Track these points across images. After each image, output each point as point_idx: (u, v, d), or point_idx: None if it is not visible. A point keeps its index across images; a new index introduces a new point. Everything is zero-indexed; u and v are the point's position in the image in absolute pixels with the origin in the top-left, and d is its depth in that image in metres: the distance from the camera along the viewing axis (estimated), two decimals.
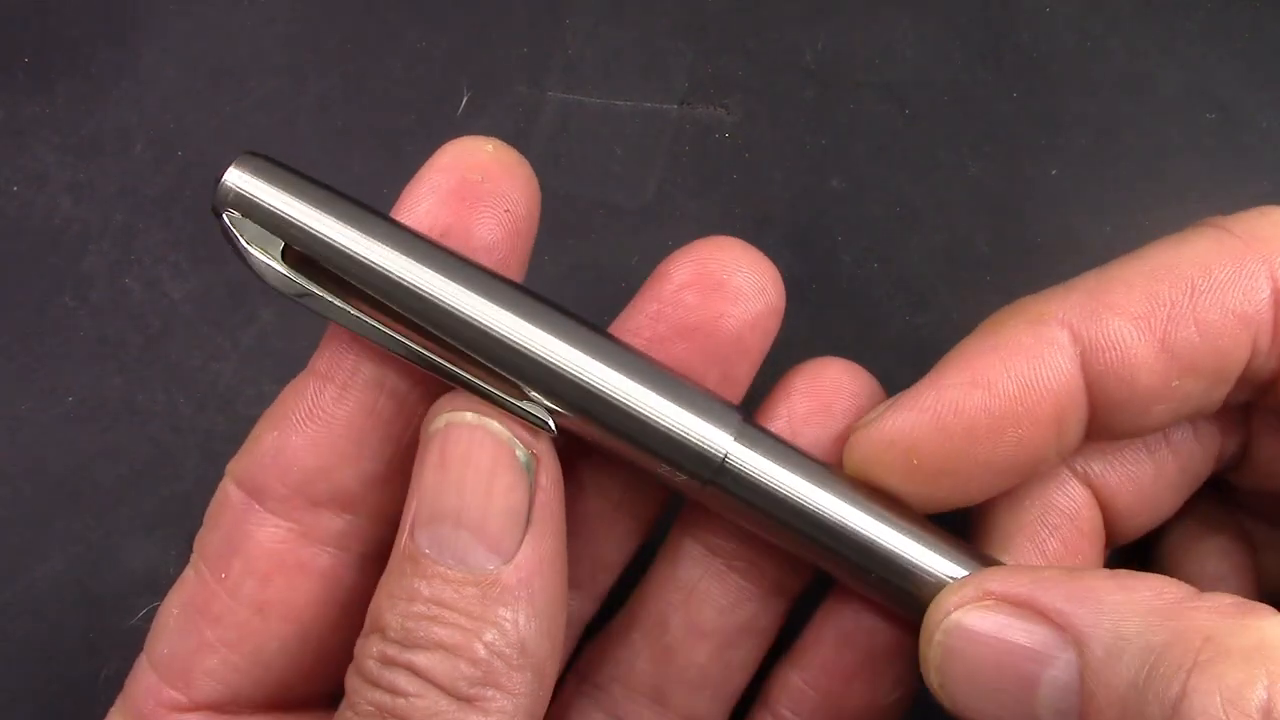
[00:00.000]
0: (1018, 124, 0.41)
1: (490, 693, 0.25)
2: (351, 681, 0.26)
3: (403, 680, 0.25)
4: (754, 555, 0.30)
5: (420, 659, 0.25)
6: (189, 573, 0.29)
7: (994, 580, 0.25)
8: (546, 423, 0.26)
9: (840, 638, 0.30)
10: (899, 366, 0.39)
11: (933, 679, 0.26)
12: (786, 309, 0.40)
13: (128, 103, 0.41)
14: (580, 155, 0.41)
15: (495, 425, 0.26)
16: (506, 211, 0.28)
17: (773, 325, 0.29)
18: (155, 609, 0.29)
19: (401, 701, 0.25)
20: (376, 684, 0.25)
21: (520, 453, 0.26)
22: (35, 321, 0.39)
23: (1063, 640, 0.23)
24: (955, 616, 0.25)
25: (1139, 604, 0.23)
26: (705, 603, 0.30)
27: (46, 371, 0.39)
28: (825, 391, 0.30)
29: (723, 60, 0.42)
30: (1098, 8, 0.43)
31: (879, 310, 0.39)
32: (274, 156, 0.26)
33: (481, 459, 0.26)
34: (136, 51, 0.42)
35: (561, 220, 0.40)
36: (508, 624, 0.25)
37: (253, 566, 0.28)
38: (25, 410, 0.38)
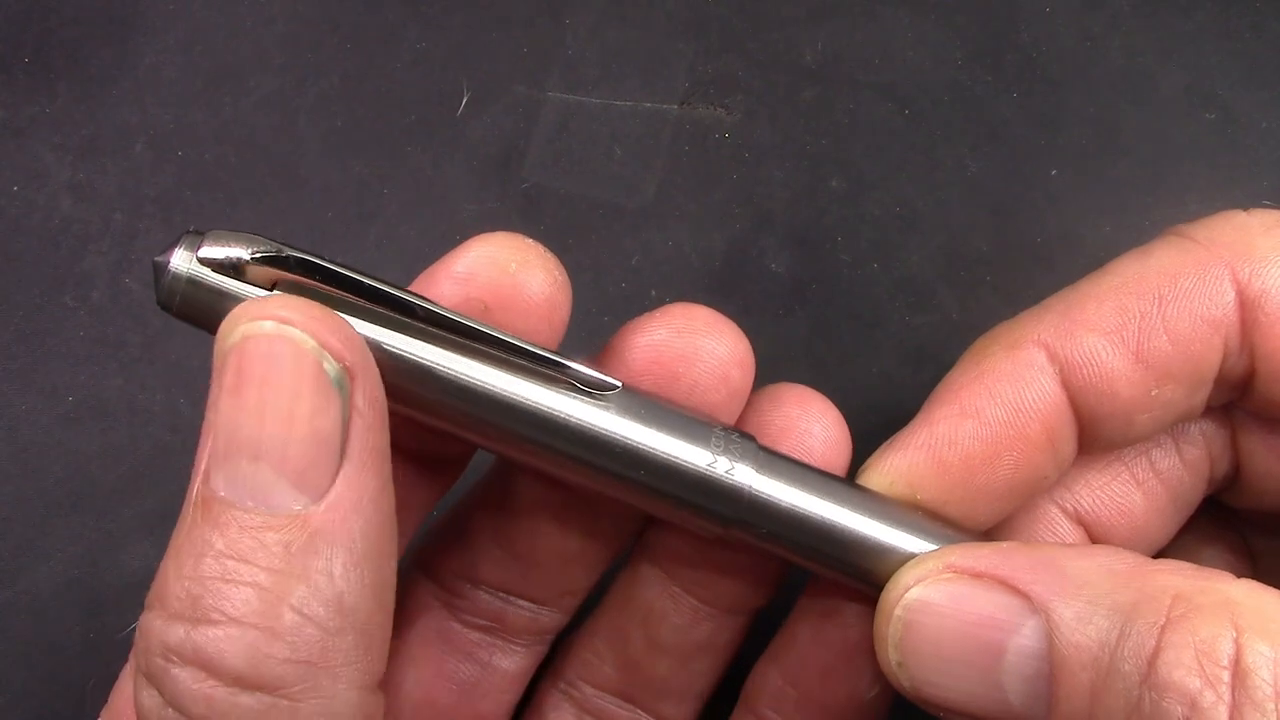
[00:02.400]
0: (1018, 124, 0.41)
1: (301, 672, 0.20)
2: (134, 675, 0.22)
3: (186, 676, 0.20)
4: (711, 579, 0.30)
5: (208, 638, 0.20)
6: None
7: (954, 555, 0.25)
8: (613, 382, 0.25)
9: (815, 633, 0.29)
10: (899, 366, 0.39)
11: (890, 656, 0.25)
12: (787, 309, 0.39)
13: (128, 103, 0.41)
14: (580, 155, 0.41)
15: (297, 334, 0.21)
16: None
17: (735, 409, 0.28)
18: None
19: (186, 701, 0.20)
20: (150, 678, 0.21)
21: (329, 366, 0.21)
22: (35, 321, 0.39)
23: (1028, 607, 0.23)
24: (916, 590, 0.25)
25: (1101, 568, 0.23)
26: (662, 622, 0.30)
27: (46, 371, 0.39)
28: (774, 426, 0.29)
29: (723, 60, 0.42)
30: (1098, 8, 0.43)
31: (879, 310, 0.39)
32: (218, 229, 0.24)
33: (282, 377, 0.21)
34: (136, 51, 0.42)
35: (562, 220, 0.40)
36: (320, 576, 0.21)
37: None
38: (25, 410, 0.38)
